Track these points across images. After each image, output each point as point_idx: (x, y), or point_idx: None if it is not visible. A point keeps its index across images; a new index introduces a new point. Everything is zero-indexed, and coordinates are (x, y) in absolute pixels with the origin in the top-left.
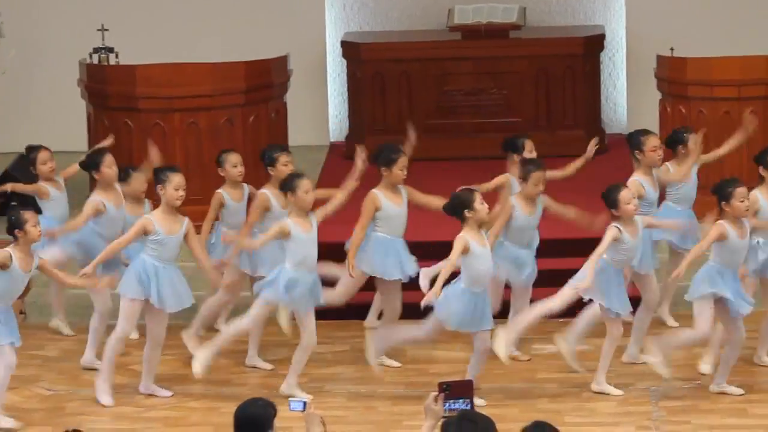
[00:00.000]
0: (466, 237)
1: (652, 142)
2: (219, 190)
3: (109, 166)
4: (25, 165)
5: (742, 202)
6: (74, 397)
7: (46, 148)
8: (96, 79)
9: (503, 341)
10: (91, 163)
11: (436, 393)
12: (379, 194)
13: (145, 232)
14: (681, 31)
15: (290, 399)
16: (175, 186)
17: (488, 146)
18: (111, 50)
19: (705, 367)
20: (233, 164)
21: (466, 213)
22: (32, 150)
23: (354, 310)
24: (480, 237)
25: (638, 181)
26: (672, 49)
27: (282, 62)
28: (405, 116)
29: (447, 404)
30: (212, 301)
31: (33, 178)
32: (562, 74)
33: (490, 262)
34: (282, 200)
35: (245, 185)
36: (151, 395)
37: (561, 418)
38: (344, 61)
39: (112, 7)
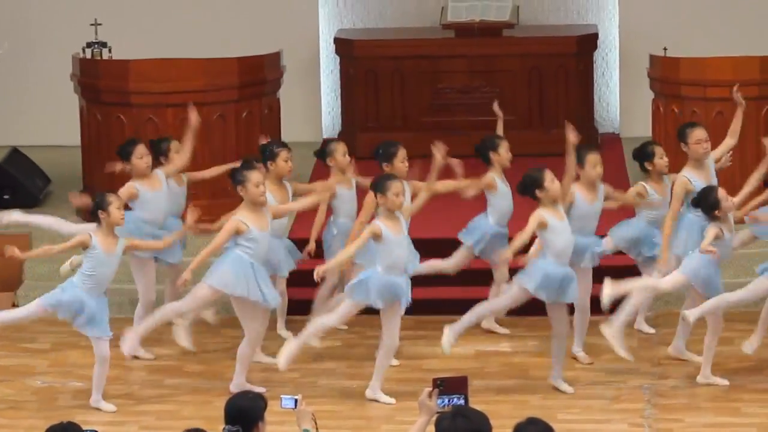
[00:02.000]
0: (541, 212)
1: (697, 135)
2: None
3: (139, 157)
4: (18, 159)
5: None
6: (67, 389)
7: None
8: (89, 73)
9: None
10: (122, 153)
11: (430, 389)
12: None
13: (237, 233)
14: (674, 31)
15: (282, 396)
16: (255, 183)
17: None
18: (104, 45)
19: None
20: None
21: (538, 192)
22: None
23: None
24: (557, 211)
25: (686, 177)
26: (665, 49)
27: (275, 58)
28: (398, 113)
29: (441, 400)
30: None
31: (26, 172)
32: (555, 73)
33: (570, 235)
34: (277, 195)
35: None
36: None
37: (554, 414)
38: (337, 58)
39: (106, 2)
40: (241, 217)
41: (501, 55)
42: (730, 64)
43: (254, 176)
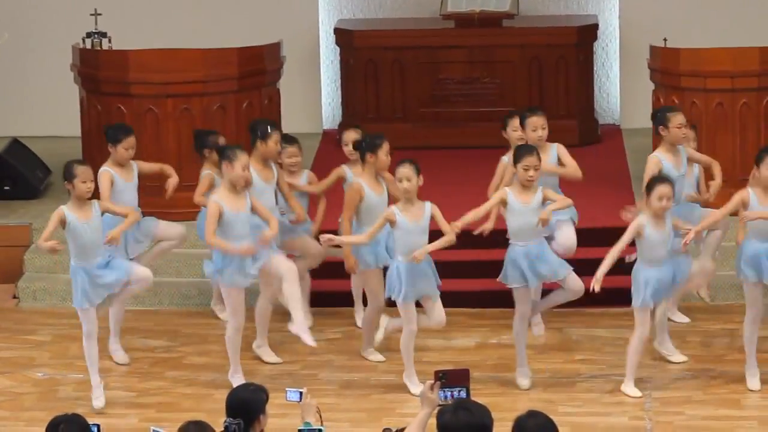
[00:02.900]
0: (506, 191)
1: (679, 119)
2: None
3: (126, 148)
4: (18, 150)
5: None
6: (67, 381)
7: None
8: (89, 64)
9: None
10: (110, 135)
11: (432, 381)
12: (362, 183)
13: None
14: (675, 22)
15: (287, 389)
16: (243, 165)
17: (481, 135)
18: (104, 35)
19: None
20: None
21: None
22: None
23: (346, 298)
24: (524, 194)
25: (658, 158)
26: (665, 39)
27: (275, 49)
28: (398, 104)
29: (443, 393)
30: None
31: (26, 163)
32: (555, 64)
33: (529, 218)
34: (262, 175)
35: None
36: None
37: (554, 407)
38: (337, 49)
39: None
40: (217, 198)
41: (501, 45)
42: (729, 55)
43: (244, 158)
